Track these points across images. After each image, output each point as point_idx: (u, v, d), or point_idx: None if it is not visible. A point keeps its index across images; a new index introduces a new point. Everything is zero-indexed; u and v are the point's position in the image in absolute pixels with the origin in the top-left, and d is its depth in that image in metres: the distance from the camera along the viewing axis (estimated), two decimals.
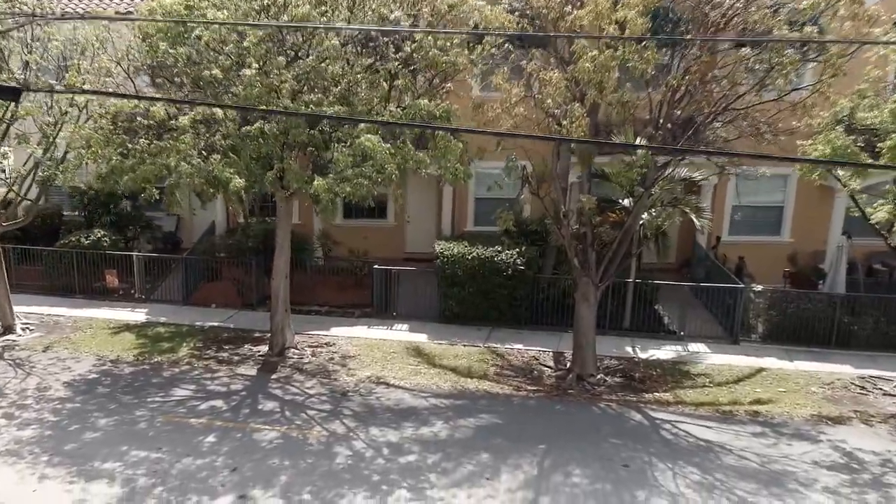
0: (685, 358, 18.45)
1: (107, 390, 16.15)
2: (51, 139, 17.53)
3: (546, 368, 17.79)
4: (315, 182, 14.37)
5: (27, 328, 19.76)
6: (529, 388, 16.59)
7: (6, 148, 17.97)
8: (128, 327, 20.04)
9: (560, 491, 12.45)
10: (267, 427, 14.50)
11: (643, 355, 18.52)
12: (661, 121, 15.57)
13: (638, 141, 16.87)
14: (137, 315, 21.01)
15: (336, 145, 15.17)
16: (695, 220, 19.11)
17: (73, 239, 22.45)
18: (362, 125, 14.67)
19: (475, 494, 12.28)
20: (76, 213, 24.76)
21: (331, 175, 14.75)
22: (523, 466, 13.19)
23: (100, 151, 16.00)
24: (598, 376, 16.87)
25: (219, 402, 15.59)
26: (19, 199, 19.21)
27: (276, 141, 15.19)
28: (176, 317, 20.83)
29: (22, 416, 14.83)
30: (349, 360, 17.94)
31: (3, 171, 18.65)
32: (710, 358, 18.43)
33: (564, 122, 14.36)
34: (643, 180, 16.13)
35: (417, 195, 25.19)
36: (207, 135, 15.23)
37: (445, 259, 20.19)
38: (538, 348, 18.88)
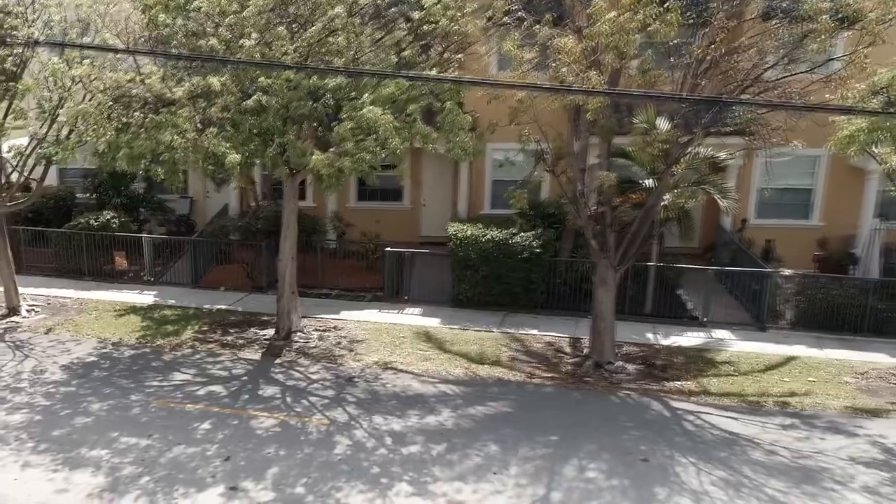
0: (709, 345, 17.54)
1: (104, 374, 15.60)
2: (49, 115, 16.90)
3: (562, 355, 16.98)
4: (313, 157, 13.62)
5: (32, 310, 19.30)
6: (544, 375, 15.80)
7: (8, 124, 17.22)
8: (134, 310, 19.49)
9: (573, 486, 11.68)
10: (265, 414, 13.86)
11: (665, 342, 17.64)
12: (685, 95, 14.63)
13: (660, 122, 16.03)
14: (145, 297, 20.48)
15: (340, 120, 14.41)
16: (720, 200, 18.22)
17: (83, 220, 21.95)
18: (366, 97, 13.89)
19: (481, 489, 11.54)
20: (88, 195, 24.24)
21: (332, 150, 13.99)
22: (534, 459, 12.43)
23: (98, 128, 15.38)
24: (617, 363, 16.03)
25: (218, 388, 14.98)
26: (22, 178, 18.62)
27: (277, 115, 14.48)
28: (184, 299, 20.27)
29: (13, 399, 14.32)
30: (357, 345, 17.25)
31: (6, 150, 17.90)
32: (736, 345, 17.50)
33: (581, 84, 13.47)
34: (666, 157, 15.21)
35: (433, 178, 24.41)
36: (205, 106, 14.48)
37: (459, 241, 19.41)
38: (554, 334, 18.07)
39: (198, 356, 16.64)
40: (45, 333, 17.83)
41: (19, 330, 18.07)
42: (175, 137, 14.04)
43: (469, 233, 19.39)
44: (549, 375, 15.77)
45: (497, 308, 19.51)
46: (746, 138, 17.32)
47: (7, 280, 18.98)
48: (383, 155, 14.35)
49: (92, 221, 21.79)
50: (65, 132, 17.18)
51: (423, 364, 16.21)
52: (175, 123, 14.43)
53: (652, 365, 16.29)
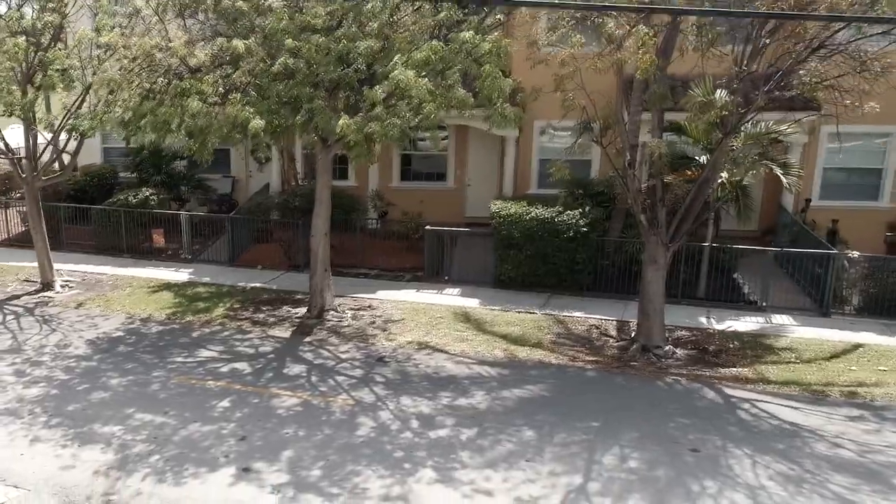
0: (767, 331, 16.29)
1: (128, 349, 15.10)
2: (76, 83, 16.43)
3: (607, 338, 15.95)
4: (340, 121, 12.82)
5: (67, 285, 18.97)
6: (587, 358, 14.80)
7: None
8: (168, 286, 19.02)
9: (613, 477, 10.69)
10: (288, 393, 13.15)
11: (719, 326, 16.45)
12: (746, 62, 13.45)
13: (720, 94, 14.84)
14: (181, 275, 20.01)
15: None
16: (782, 177, 16.99)
17: (122, 198, 21.61)
18: (397, 58, 13.03)
19: (512, 478, 10.62)
20: (131, 173, 23.91)
21: (360, 115, 13.18)
22: (571, 446, 11.47)
23: (125, 96, 14.85)
24: (667, 348, 14.94)
25: (242, 365, 14.34)
26: (54, 152, 18.23)
27: (306, 80, 13.72)
28: (219, 277, 19.74)
29: (33, 373, 13.89)
30: (391, 325, 16.46)
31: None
32: (797, 331, 16.22)
33: (628, 44, 12.40)
34: (723, 125, 14.03)
35: (478, 157, 23.48)
36: (230, 71, 13.80)
37: (502, 220, 18.47)
38: (600, 317, 17.03)
39: (226, 333, 16.05)
40: (76, 308, 17.45)
41: (50, 304, 17.73)
42: (198, 104, 13.37)
43: (512, 210, 18.44)
44: (593, 359, 14.76)
45: (541, 289, 18.54)
46: (815, 114, 16.14)
47: (41, 255, 18.67)
48: (416, 121, 13.45)
49: (131, 198, 21.43)
50: (93, 101, 16.69)
51: (459, 345, 15.34)
52: (200, 90, 13.79)
53: (704, 350, 15.16)
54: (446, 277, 19.47)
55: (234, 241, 21.02)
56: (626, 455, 11.22)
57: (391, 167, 23.63)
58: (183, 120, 13.58)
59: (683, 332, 16.08)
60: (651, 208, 14.57)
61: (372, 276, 20.04)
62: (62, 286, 18.83)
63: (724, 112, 13.67)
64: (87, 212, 21.83)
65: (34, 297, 18.24)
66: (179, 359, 14.64)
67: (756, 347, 15.36)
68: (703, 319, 16.86)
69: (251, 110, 13.23)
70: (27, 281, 19.31)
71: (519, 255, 18.39)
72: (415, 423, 12.10)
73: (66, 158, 19.92)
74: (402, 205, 22.20)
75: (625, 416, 12.42)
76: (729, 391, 13.44)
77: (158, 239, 21.31)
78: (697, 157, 17.86)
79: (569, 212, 18.14)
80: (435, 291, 18.74)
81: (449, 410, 12.54)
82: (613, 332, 16.24)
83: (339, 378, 13.80)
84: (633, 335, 15.59)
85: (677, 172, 16.80)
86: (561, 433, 11.81)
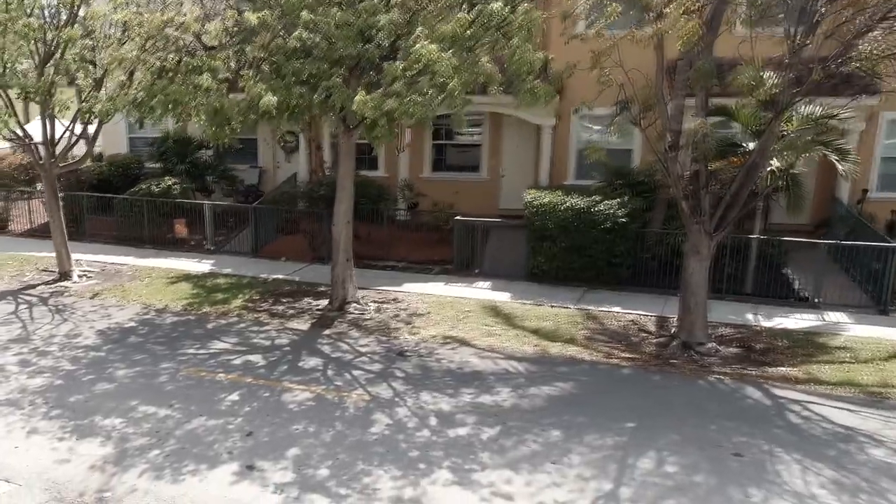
0: (820, 328, 15.09)
1: (139, 340, 14.44)
2: (89, 64, 15.81)
3: (646, 334, 14.90)
4: (357, 97, 11.98)
5: (85, 275, 18.45)
6: (623, 355, 13.78)
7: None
8: (187, 277, 18.39)
9: (648, 482, 9.68)
10: (301, 387, 12.34)
11: (767, 324, 15.30)
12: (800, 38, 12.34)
13: (767, 76, 13.77)
14: (202, 266, 19.38)
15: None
16: (837, 164, 15.71)
17: (144, 187, 21.07)
18: (419, 30, 12.16)
19: (535, 481, 9.67)
20: (154, 163, 23.36)
21: (378, 91, 12.34)
22: (603, 448, 10.47)
23: (139, 74, 14.22)
24: (709, 345, 13.87)
25: (256, 357, 13.58)
26: (71, 138, 17.67)
27: (324, 57, 12.92)
28: (241, 269, 19.07)
29: (38, 363, 13.27)
30: (416, 318, 15.59)
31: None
32: (852, 329, 15.01)
33: (669, 10, 11.38)
34: (773, 104, 12.93)
35: (513, 147, 22.54)
36: (241, 46, 13.06)
37: (535, 210, 17.52)
38: (639, 312, 15.99)
39: (242, 325, 15.33)
40: (91, 298, 16.89)
41: (66, 294, 17.19)
42: (209, 80, 12.65)
43: (547, 200, 17.48)
44: (629, 356, 13.74)
45: (576, 283, 17.55)
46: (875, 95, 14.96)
47: (59, 244, 18.16)
48: (440, 98, 12.57)
49: (153, 188, 20.89)
50: (109, 84, 16.08)
51: (487, 339, 14.42)
52: (211, 67, 13.08)
53: (750, 348, 14.05)
54: (476, 270, 18.57)
55: (258, 231, 20.37)
56: (662, 459, 10.20)
57: (423, 157, 22.80)
58: (195, 97, 12.84)
59: (728, 329, 14.98)
60: (694, 195, 13.52)
61: (399, 268, 19.23)
62: (80, 276, 18.30)
63: (775, 89, 12.60)
64: (109, 202, 21.32)
65: (50, 286, 17.72)
66: (191, 350, 13.93)
67: (807, 346, 14.19)
68: (750, 316, 15.72)
69: (263, 87, 12.45)
70: (45, 271, 18.82)
71: (553, 247, 17.42)
72: (433, 421, 11.20)
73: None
74: (433, 196, 21.36)
75: (662, 416, 11.40)
76: (777, 392, 12.34)
77: (181, 229, 20.73)
78: (745, 144, 16.73)
79: (607, 201, 17.12)
80: (464, 285, 17.84)
81: (471, 408, 11.63)
82: (652, 328, 15.20)
83: (356, 372, 12.97)
84: (673, 331, 14.54)
85: (723, 160, 15.76)
86: (591, 434, 10.83)
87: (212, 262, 19.75)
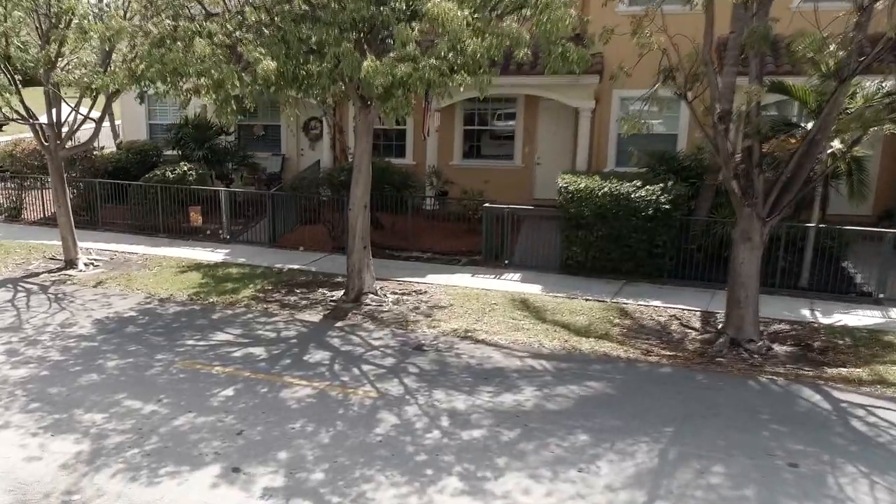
0: (886, 326, 13.49)
1: (137, 330, 13.39)
2: (88, 34, 14.80)
3: (689, 330, 13.47)
4: (365, 63, 10.75)
5: (91, 263, 17.51)
6: (663, 352, 12.38)
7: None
8: (198, 267, 17.35)
9: (687, 495, 8.34)
10: (303, 382, 11.17)
11: (825, 320, 13.76)
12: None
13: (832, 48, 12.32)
14: (215, 255, 18.34)
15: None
16: None
17: (158, 173, 20.08)
18: None
19: (557, 491, 8.39)
20: (172, 149, 22.40)
21: (391, 54, 11.11)
22: (636, 455, 9.13)
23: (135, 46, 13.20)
24: (761, 342, 12.41)
25: (259, 350, 12.44)
26: (76, 120, 16.73)
27: (333, 21, 11.73)
28: (256, 258, 17.98)
29: (25, 352, 12.31)
30: (437, 311, 14.34)
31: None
32: None
33: None
34: (837, 74, 11.45)
35: (549, 132, 21.15)
36: (242, 8, 11.94)
37: (570, 196, 16.14)
38: (682, 307, 14.55)
39: (250, 315, 14.22)
40: (94, 287, 15.92)
41: (68, 283, 16.24)
42: (205, 45, 11.54)
43: (583, 185, 16.10)
44: (670, 353, 12.33)
45: (614, 276, 16.15)
46: None
47: (65, 231, 17.24)
48: (456, 64, 11.29)
49: (168, 174, 19.88)
50: (117, 59, 15.10)
51: (513, 334, 13.11)
52: (210, 32, 11.98)
53: (807, 346, 12.56)
54: (506, 262, 17.24)
55: (275, 220, 19.26)
56: (705, 468, 8.83)
57: (452, 144, 21.55)
58: (193, 65, 11.73)
59: (782, 326, 13.50)
60: (746, 175, 12.07)
61: (424, 259, 17.99)
62: (86, 264, 17.36)
63: (840, 52, 11.14)
64: (124, 189, 20.40)
65: (54, 275, 16.79)
66: (190, 342, 12.84)
67: (872, 345, 12.64)
68: (806, 312, 14.19)
69: (262, 51, 11.29)
70: (52, 259, 17.92)
71: (589, 236, 16.03)
72: (445, 422, 9.94)
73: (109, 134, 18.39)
74: (463, 185, 20.05)
75: (706, 420, 10.01)
76: (838, 395, 10.86)
77: (196, 217, 19.71)
78: (802, 125, 15.26)
79: (648, 187, 15.69)
80: (492, 276, 16.54)
81: (489, 407, 10.35)
82: (697, 324, 13.76)
83: (366, 367, 11.74)
84: (720, 327, 13.09)
85: (781, 140, 14.37)
86: (624, 439, 9.48)
87: (226, 251, 18.70)
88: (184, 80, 12.60)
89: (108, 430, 9.77)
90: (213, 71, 11.56)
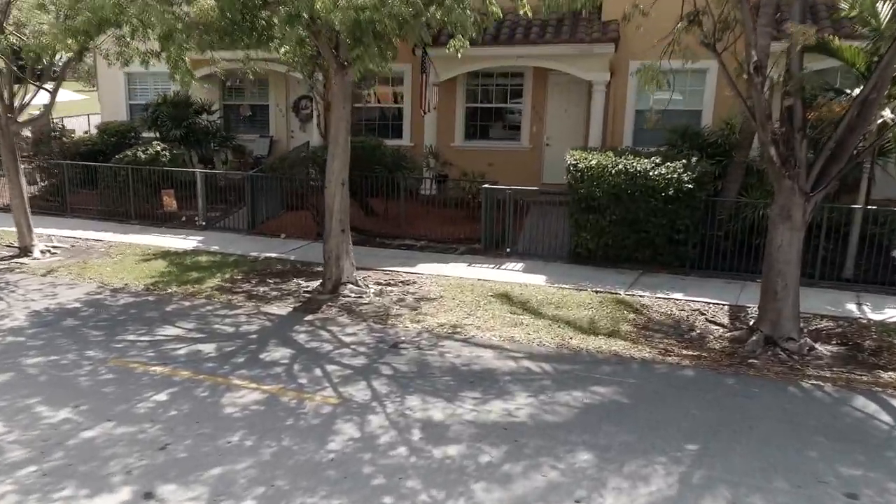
0: None
1: (76, 323, 11.64)
2: None
3: (716, 327, 11.51)
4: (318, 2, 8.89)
5: (48, 251, 15.81)
6: (685, 352, 10.43)
7: None
8: (166, 255, 15.61)
9: None
10: (252, 385, 9.34)
11: (875, 316, 11.77)
12: None
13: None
14: (187, 243, 16.58)
15: None
16: None
17: (130, 153, 18.32)
18: None
19: None
20: (148, 128, 20.64)
21: None
22: (651, 480, 7.21)
23: None
24: (801, 340, 10.45)
25: (209, 347, 10.63)
26: (27, 93, 15.04)
27: None
28: (231, 246, 16.21)
29: None
30: (425, 303, 12.48)
31: None
32: None
33: None
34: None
35: (559, 109, 19.21)
36: None
37: (580, 174, 14.23)
38: (707, 300, 12.60)
39: (209, 308, 12.43)
40: (43, 275, 14.20)
41: (17, 271, 14.55)
42: None
43: (594, 162, 14.18)
44: (693, 353, 10.39)
45: (629, 265, 14.26)
46: None
47: (19, 215, 15.56)
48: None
49: (140, 154, 18.12)
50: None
51: (508, 330, 11.22)
52: None
53: (856, 346, 10.59)
54: (508, 250, 15.37)
55: (256, 205, 17.47)
56: (738, 499, 6.90)
57: (454, 123, 19.68)
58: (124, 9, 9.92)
59: (826, 322, 11.53)
60: (786, 141, 10.10)
61: (417, 247, 16.15)
62: (42, 252, 15.66)
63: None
64: (94, 172, 18.67)
65: (4, 262, 15.10)
66: (132, 337, 11.05)
67: None
68: (852, 306, 12.22)
69: None
70: (9, 246, 16.23)
71: (601, 220, 14.13)
72: (416, 435, 8.06)
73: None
74: (465, 168, 18.23)
75: (739, 435, 8.06)
76: None
77: (170, 201, 17.95)
78: (847, 91, 13.27)
79: (669, 163, 13.75)
80: (491, 266, 14.66)
81: (471, 418, 8.46)
82: (724, 320, 11.81)
83: (331, 368, 9.90)
84: (752, 323, 11.13)
85: (824, 108, 12.43)
86: (636, 459, 7.55)
87: (200, 238, 16.94)
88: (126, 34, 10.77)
89: (6, 442, 7.99)
90: (150, 16, 9.71)
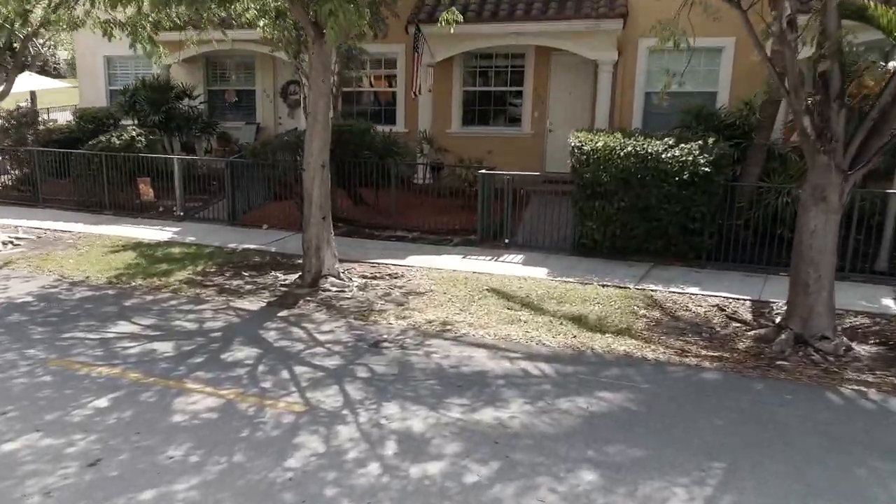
0: None
1: (23, 319, 10.46)
2: None
3: (738, 324, 10.26)
4: None
5: (11, 242, 14.68)
6: (705, 352, 9.18)
7: None
8: (137, 246, 14.44)
9: None
10: (208, 390, 8.11)
11: None
12: None
13: None
14: (162, 234, 15.41)
15: None
16: None
17: (104, 139, 17.13)
18: None
19: None
20: (125, 113, 19.43)
21: None
22: None
23: None
24: (837, 340, 9.19)
25: (165, 346, 9.41)
26: None
27: None
28: (208, 237, 15.04)
29: None
30: (413, 298, 11.26)
31: None
32: None
33: None
34: None
35: (563, 94, 17.94)
36: None
37: (585, 157, 13.00)
38: (726, 295, 11.35)
39: (174, 302, 11.23)
40: None
41: None
42: None
43: (600, 144, 12.94)
44: (714, 354, 9.13)
45: (638, 257, 13.04)
46: None
47: None
48: None
49: (115, 140, 16.93)
50: None
51: (504, 328, 9.98)
52: None
53: None
54: (506, 241, 14.14)
55: (237, 194, 16.27)
56: None
57: (450, 108, 18.45)
58: None
59: (862, 319, 10.29)
60: (821, 110, 8.84)
61: (409, 239, 14.95)
62: (5, 243, 14.54)
63: None
64: (61, 157, 17.49)
65: None
66: (81, 334, 9.86)
67: None
68: (889, 302, 10.99)
69: None
70: None
71: (608, 207, 12.89)
72: (391, 450, 6.82)
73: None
74: (462, 155, 16.93)
75: (772, 451, 6.81)
76: None
77: (146, 190, 16.77)
78: (887, 64, 12.03)
79: (683, 145, 12.51)
80: (489, 258, 13.44)
81: (458, 429, 7.22)
82: (747, 316, 10.55)
83: (300, 369, 8.67)
84: (779, 320, 9.87)
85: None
86: (650, 480, 6.31)
87: (177, 229, 15.76)
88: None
89: None
90: None
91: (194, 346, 9.40)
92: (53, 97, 32.26)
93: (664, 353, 9.16)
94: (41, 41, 15.74)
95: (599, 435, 7.06)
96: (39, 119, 19.95)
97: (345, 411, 7.58)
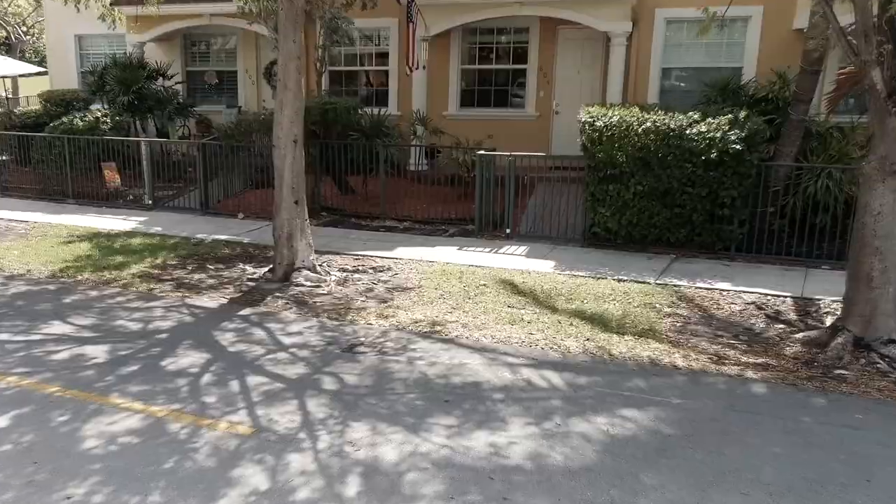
0: None
1: None
2: None
3: (781, 325, 8.67)
4: None
5: None
6: (745, 360, 7.59)
7: None
8: (94, 237, 12.93)
9: None
10: (137, 406, 6.55)
11: None
12: None
13: None
14: (127, 224, 13.89)
15: None
16: None
17: (66, 120, 15.59)
18: None
19: None
20: (92, 93, 17.90)
21: None
22: None
23: None
24: None
25: (98, 349, 7.86)
26: None
27: None
28: (175, 228, 13.51)
29: None
30: (399, 295, 9.70)
31: None
32: None
33: None
34: None
35: (571, 72, 16.35)
36: None
37: (597, 134, 11.42)
38: (763, 291, 9.75)
39: (121, 299, 9.70)
40: None
41: None
42: None
43: (615, 119, 11.35)
44: (757, 361, 7.54)
45: (659, 248, 11.46)
46: None
47: None
48: None
49: (77, 121, 15.38)
50: None
51: (505, 329, 8.40)
52: None
53: None
54: (508, 231, 12.57)
55: (209, 180, 14.76)
56: None
57: (447, 88, 16.90)
58: None
59: None
60: (892, 66, 7.25)
61: (400, 229, 13.42)
62: None
63: None
64: (21, 141, 15.97)
65: None
66: (4, 335, 8.30)
67: None
68: None
69: None
70: None
71: (624, 192, 11.33)
72: (352, 489, 5.25)
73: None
74: (461, 139, 15.34)
75: (853, 490, 5.24)
76: None
77: (112, 176, 15.24)
78: None
79: (710, 119, 10.92)
80: (488, 250, 11.88)
81: (439, 458, 5.64)
82: (791, 315, 8.96)
83: (255, 380, 7.09)
84: (832, 321, 8.28)
85: None
86: None
87: (143, 219, 14.25)
88: None
89: None
90: None
91: (132, 351, 7.84)
92: (39, 84, 30.84)
93: (697, 359, 7.57)
94: (24, 29, 14.18)
95: (623, 468, 5.48)
96: (9, 107, 18.38)
97: (301, 434, 6.01)
